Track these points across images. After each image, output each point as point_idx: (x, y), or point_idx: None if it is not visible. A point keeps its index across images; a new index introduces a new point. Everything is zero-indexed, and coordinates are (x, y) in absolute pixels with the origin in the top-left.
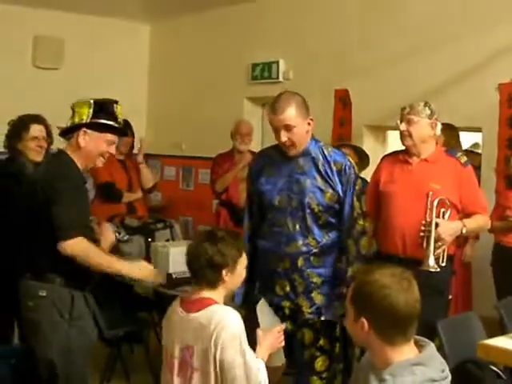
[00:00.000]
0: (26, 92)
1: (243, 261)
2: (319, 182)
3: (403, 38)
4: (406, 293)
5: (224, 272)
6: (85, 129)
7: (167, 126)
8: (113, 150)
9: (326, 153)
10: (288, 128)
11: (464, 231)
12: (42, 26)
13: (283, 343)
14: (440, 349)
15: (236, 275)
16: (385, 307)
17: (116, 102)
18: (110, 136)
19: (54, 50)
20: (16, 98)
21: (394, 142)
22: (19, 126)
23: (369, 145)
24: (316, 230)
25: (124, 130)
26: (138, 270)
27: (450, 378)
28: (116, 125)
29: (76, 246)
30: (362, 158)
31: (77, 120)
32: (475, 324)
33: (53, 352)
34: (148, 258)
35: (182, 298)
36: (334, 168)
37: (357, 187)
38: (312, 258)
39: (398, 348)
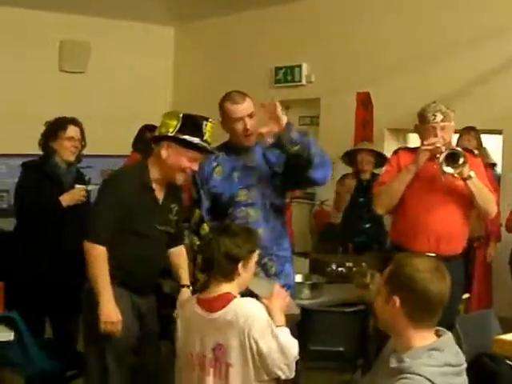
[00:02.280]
0: (52, 95)
1: (255, 256)
2: (269, 171)
3: (425, 41)
4: (440, 282)
5: (240, 265)
6: (169, 141)
7: None
8: (195, 167)
9: (265, 144)
10: (251, 115)
11: (472, 175)
12: (68, 31)
13: (288, 296)
14: (457, 344)
15: (249, 270)
16: (419, 290)
17: (206, 119)
18: (191, 153)
19: (79, 54)
20: (43, 101)
21: (414, 144)
22: (57, 126)
23: (390, 147)
24: (275, 214)
25: (209, 149)
26: (109, 308)
27: (465, 365)
28: (200, 143)
29: (91, 250)
30: (381, 160)
31: (163, 130)
32: (492, 322)
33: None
34: None
35: (198, 297)
36: (273, 157)
37: None
38: (275, 242)
39: (420, 332)
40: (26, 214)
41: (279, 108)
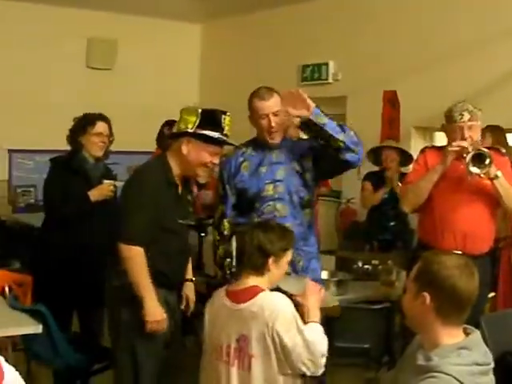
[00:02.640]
0: (80, 92)
1: (289, 255)
2: (297, 166)
3: (452, 39)
4: (468, 279)
5: (271, 260)
6: (188, 137)
7: None
8: (216, 160)
9: (294, 139)
10: (276, 113)
11: (499, 175)
12: (96, 28)
13: (323, 289)
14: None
15: (280, 267)
16: (447, 286)
17: (224, 113)
18: (212, 147)
19: (107, 51)
20: (71, 97)
21: (441, 143)
22: (85, 121)
23: (417, 145)
24: (302, 210)
25: (229, 142)
26: (154, 307)
27: (492, 365)
28: (220, 137)
29: (128, 252)
30: (406, 158)
31: (182, 126)
32: None
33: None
34: (201, 252)
35: (227, 289)
36: (302, 150)
37: None
38: (303, 237)
39: (448, 329)
40: (55, 208)
41: (305, 94)
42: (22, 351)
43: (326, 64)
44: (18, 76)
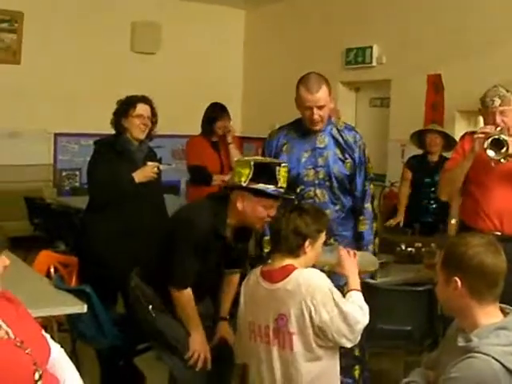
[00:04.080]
0: (124, 76)
1: (323, 237)
2: (339, 153)
3: (497, 22)
4: (494, 254)
5: (307, 243)
6: (242, 192)
7: (262, 109)
8: (273, 213)
9: (338, 127)
10: (321, 107)
11: None
12: (140, 12)
13: (356, 254)
14: None
15: (315, 249)
16: (476, 264)
17: (279, 165)
18: (266, 201)
19: (151, 35)
20: (115, 81)
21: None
22: (127, 104)
23: (461, 129)
24: (342, 197)
25: (285, 195)
26: (199, 340)
27: None
28: (274, 191)
29: (180, 296)
30: (449, 142)
31: (236, 179)
32: None
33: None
34: None
35: (262, 269)
36: (350, 139)
37: (367, 156)
38: (340, 222)
39: (485, 308)
40: (99, 190)
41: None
42: (66, 332)
43: (370, 47)
44: (63, 62)
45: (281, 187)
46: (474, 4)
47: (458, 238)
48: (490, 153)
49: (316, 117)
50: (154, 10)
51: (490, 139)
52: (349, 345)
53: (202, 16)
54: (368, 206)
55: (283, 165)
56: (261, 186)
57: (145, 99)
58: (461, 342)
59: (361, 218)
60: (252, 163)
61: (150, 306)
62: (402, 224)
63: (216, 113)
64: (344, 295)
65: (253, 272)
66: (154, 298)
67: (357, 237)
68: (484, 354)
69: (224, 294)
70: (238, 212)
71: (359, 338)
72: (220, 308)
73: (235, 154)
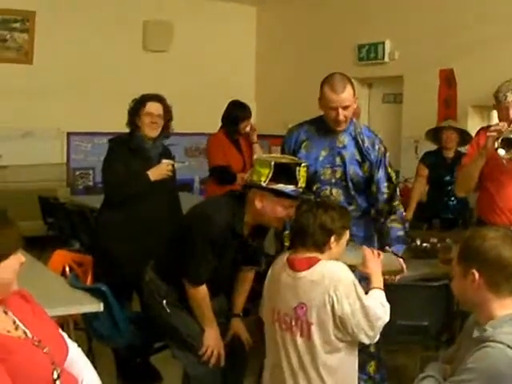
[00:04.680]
0: (136, 74)
1: (347, 233)
2: (357, 155)
3: (510, 16)
4: (511, 246)
5: (332, 238)
6: (262, 191)
7: (274, 106)
8: (292, 212)
9: (358, 129)
10: (346, 107)
11: None
12: (152, 11)
13: (380, 254)
14: None
15: (340, 245)
16: (493, 256)
17: (299, 165)
18: (286, 201)
19: (163, 34)
20: (128, 79)
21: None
22: (138, 103)
23: (474, 124)
24: (357, 197)
25: (305, 196)
26: (213, 336)
27: None
28: (294, 191)
29: (195, 292)
30: (464, 138)
31: (255, 178)
32: None
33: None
34: None
35: (288, 257)
36: (367, 142)
37: (387, 158)
38: (354, 222)
39: (502, 300)
40: (114, 188)
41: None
42: (82, 331)
43: (383, 43)
44: (75, 61)
45: (300, 187)
46: None
47: (474, 231)
48: (501, 152)
49: (341, 117)
50: (166, 8)
51: (499, 139)
52: (367, 341)
53: (214, 14)
54: (397, 204)
55: (303, 165)
56: (281, 186)
57: (156, 97)
58: (475, 334)
59: (392, 217)
60: (272, 163)
61: (164, 301)
62: (410, 219)
63: (240, 112)
64: (367, 293)
65: (280, 257)
66: (168, 294)
67: (384, 233)
68: (499, 342)
69: (238, 291)
70: (257, 211)
71: (378, 336)
72: (233, 305)
73: (260, 153)
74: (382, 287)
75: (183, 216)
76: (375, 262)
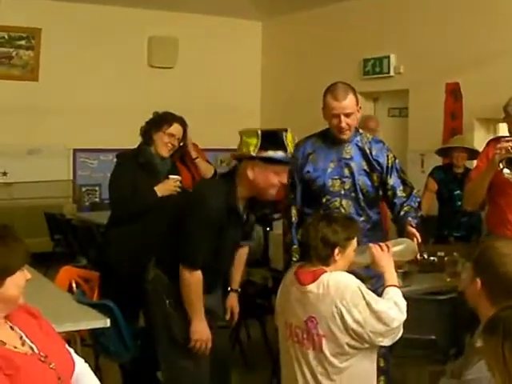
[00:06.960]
0: (141, 90)
1: (354, 243)
2: (365, 165)
3: None
4: None
5: (336, 251)
6: (252, 161)
7: (280, 120)
8: (284, 179)
9: (366, 139)
10: (348, 114)
11: None
12: (157, 27)
13: (391, 249)
14: None
15: (346, 256)
16: (500, 273)
17: (286, 131)
18: (277, 167)
19: (168, 50)
20: (133, 96)
21: (505, 134)
22: (164, 119)
23: (480, 137)
24: (367, 208)
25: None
26: (200, 325)
27: None
28: (284, 156)
29: (189, 276)
30: (474, 155)
31: (245, 150)
32: None
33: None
34: (267, 247)
35: (295, 271)
36: (375, 150)
37: (398, 166)
38: (365, 234)
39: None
40: (122, 203)
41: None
42: (89, 347)
43: (388, 57)
44: (81, 78)
45: (290, 153)
46: (491, 12)
47: (492, 240)
48: (506, 171)
49: (343, 125)
50: (171, 24)
51: (504, 161)
52: (387, 343)
53: (219, 29)
54: (415, 203)
55: (289, 131)
56: (270, 153)
57: (182, 121)
58: (478, 343)
59: (406, 207)
60: (259, 132)
61: (168, 302)
62: None
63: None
64: (382, 292)
65: (290, 272)
66: (170, 290)
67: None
68: None
69: (234, 267)
70: (250, 182)
71: (399, 335)
72: (231, 281)
73: (204, 164)
74: (397, 283)
75: (180, 203)
76: (385, 258)
